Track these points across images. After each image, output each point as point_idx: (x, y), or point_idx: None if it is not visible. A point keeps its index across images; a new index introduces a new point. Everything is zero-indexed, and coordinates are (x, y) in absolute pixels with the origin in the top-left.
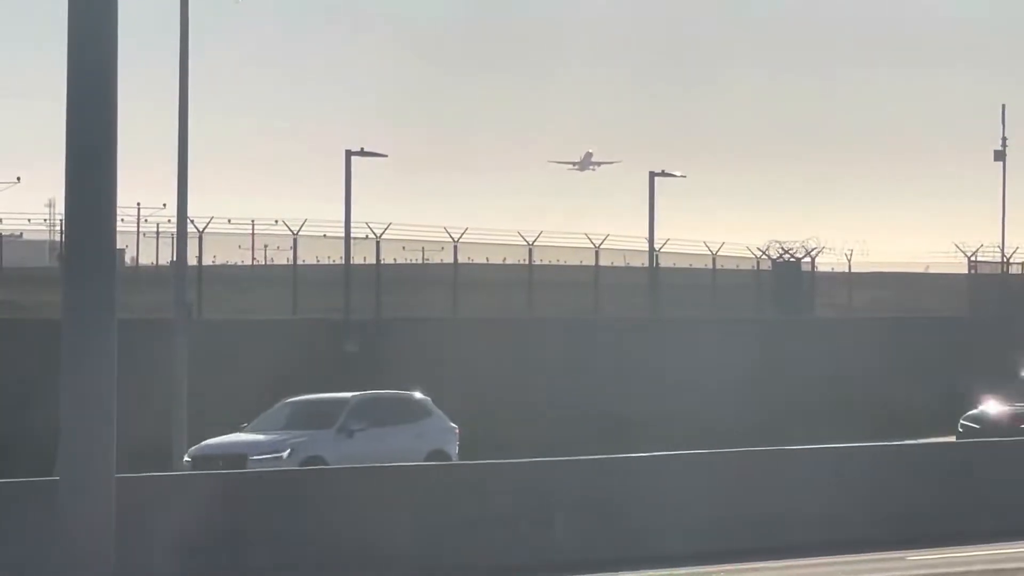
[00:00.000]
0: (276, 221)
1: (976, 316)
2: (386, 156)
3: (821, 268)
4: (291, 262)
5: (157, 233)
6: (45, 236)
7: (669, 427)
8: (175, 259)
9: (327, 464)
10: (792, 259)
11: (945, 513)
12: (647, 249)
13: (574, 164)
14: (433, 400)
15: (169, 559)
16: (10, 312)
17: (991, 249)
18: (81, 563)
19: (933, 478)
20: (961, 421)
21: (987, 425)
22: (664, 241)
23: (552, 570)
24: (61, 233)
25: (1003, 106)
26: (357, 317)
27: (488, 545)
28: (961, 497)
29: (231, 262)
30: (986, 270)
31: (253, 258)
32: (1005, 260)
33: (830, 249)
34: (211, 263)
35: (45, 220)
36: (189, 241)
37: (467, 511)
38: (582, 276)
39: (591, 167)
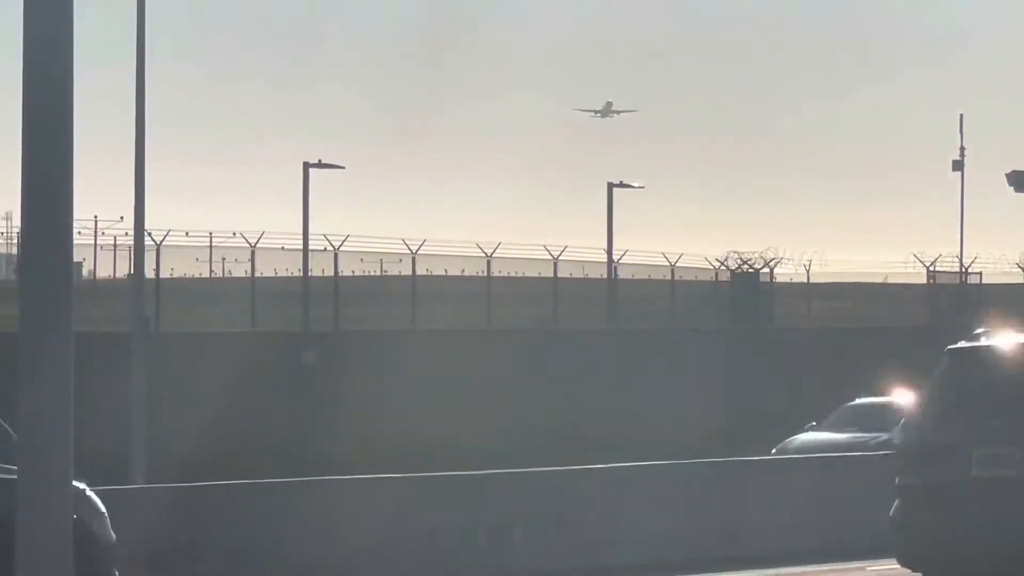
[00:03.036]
0: (234, 233)
1: (935, 325)
2: (344, 168)
3: (780, 279)
4: (249, 274)
5: (115, 246)
6: (2, 249)
7: (628, 438)
8: (133, 272)
9: None
10: (751, 270)
11: None
12: (606, 260)
13: (596, 112)
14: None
15: (127, 572)
16: None
17: (949, 259)
18: None
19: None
20: None
21: None
22: (623, 252)
23: None
24: (18, 246)
25: (961, 116)
26: (315, 329)
27: (445, 556)
28: None
29: (189, 274)
30: (945, 280)
31: (211, 270)
32: (964, 270)
33: (788, 260)
34: (169, 276)
35: (2, 233)
36: (147, 254)
37: (424, 522)
38: (541, 288)
39: (612, 114)
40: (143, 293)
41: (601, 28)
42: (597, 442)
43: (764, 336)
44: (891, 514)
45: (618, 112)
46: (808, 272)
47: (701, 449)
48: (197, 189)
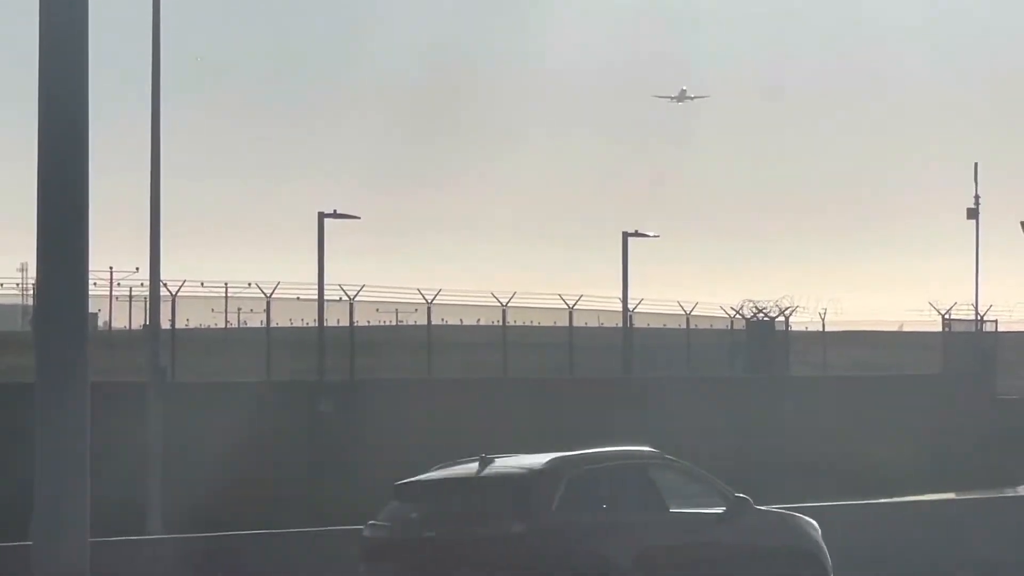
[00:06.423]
0: (249, 284)
1: (950, 373)
2: (359, 218)
3: (795, 327)
4: (264, 324)
5: (130, 296)
6: (17, 300)
7: None
8: (148, 322)
9: None
10: (766, 318)
11: (926, 570)
12: (621, 309)
13: (672, 98)
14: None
15: None
16: None
17: (965, 307)
18: None
19: (911, 535)
20: None
21: None
22: (638, 301)
23: None
24: (33, 297)
25: (975, 164)
26: (331, 379)
27: None
28: (942, 554)
29: (204, 325)
30: (960, 328)
31: (227, 321)
32: (979, 318)
33: (804, 308)
34: (184, 326)
35: (17, 284)
36: (162, 304)
37: None
38: (556, 337)
39: (687, 99)
40: (159, 343)
41: (614, 81)
42: None
43: (779, 384)
44: None
45: (692, 97)
46: (823, 320)
47: None
48: (212, 239)
